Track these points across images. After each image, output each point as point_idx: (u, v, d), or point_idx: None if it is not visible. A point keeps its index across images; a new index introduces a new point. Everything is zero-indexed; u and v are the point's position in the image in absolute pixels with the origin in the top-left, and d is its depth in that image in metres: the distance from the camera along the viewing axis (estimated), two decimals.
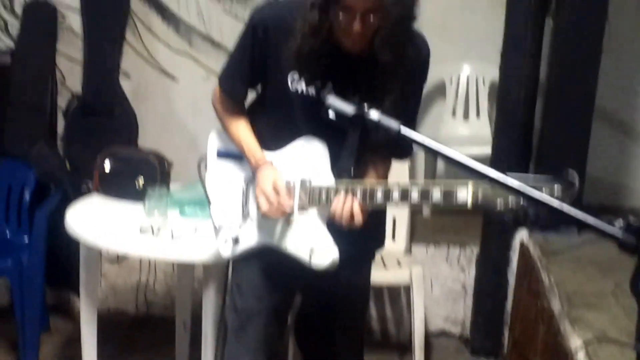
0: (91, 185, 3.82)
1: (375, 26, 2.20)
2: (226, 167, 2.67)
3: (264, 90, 2.57)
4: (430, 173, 4.76)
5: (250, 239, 2.57)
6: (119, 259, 4.47)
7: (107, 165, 3.70)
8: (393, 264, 4.10)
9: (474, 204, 2.02)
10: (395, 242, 4.28)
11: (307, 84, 2.37)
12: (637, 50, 4.75)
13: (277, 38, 2.38)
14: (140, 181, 3.57)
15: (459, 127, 4.90)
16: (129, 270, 4.59)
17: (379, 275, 4.00)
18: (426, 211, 4.82)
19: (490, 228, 4.08)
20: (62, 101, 4.93)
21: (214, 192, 2.69)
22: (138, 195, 3.46)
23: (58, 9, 4.93)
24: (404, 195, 2.17)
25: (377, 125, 1.45)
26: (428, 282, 4.33)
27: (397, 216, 4.28)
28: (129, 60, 4.92)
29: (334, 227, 2.36)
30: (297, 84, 2.39)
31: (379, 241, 2.77)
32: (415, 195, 2.14)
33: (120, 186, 3.63)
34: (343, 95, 2.23)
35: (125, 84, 4.87)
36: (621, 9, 4.42)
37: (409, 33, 2.30)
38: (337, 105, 1.50)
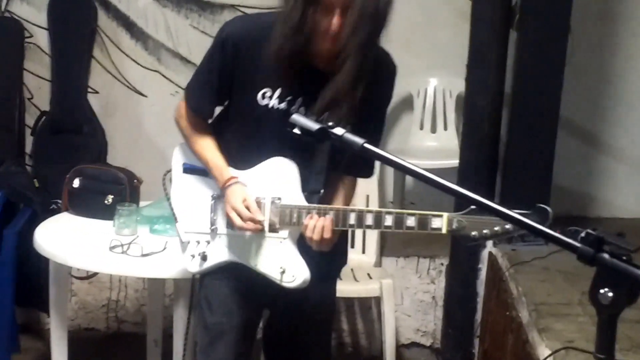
0: (60, 203, 3.81)
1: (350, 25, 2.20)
2: (192, 182, 2.63)
3: (230, 107, 2.54)
4: (399, 187, 4.79)
5: (218, 255, 2.55)
6: (88, 277, 4.45)
7: (76, 183, 3.69)
8: (363, 277, 4.12)
9: (449, 232, 2.19)
10: (365, 254, 4.30)
11: (279, 100, 2.36)
12: (600, 62, 4.82)
13: (248, 53, 2.37)
14: (110, 198, 3.57)
15: (426, 140, 4.94)
16: (99, 288, 4.58)
17: (350, 287, 4.03)
18: None
19: (459, 239, 4.10)
20: (30, 119, 4.91)
21: (180, 207, 2.65)
22: (107, 213, 3.45)
23: (25, 25, 4.92)
24: (377, 220, 2.24)
25: (340, 140, 1.47)
26: (398, 294, 4.36)
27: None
28: (97, 77, 4.91)
29: (303, 245, 2.38)
30: (268, 99, 2.37)
31: (344, 259, 2.77)
32: (389, 221, 2.24)
33: (89, 204, 3.63)
34: (310, 111, 2.28)
35: (93, 101, 4.86)
36: (584, 21, 4.49)
37: (377, 37, 2.30)
38: (302, 121, 1.52)
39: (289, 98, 2.37)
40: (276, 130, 2.34)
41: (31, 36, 4.95)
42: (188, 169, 2.64)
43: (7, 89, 4.81)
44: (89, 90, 4.92)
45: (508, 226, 2.05)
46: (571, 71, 4.03)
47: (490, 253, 3.98)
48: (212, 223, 2.54)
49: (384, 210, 2.27)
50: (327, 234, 2.28)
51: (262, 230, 2.40)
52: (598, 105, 4.89)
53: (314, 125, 1.52)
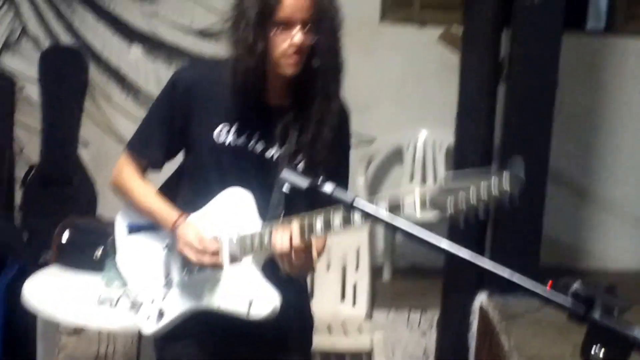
0: (49, 256, 3.79)
1: (310, 46, 2.17)
2: (139, 241, 2.47)
3: (187, 156, 2.41)
4: (390, 240, 4.80)
5: (176, 307, 2.37)
6: (77, 331, 4.40)
7: (66, 236, 3.67)
8: (354, 330, 4.09)
9: (422, 209, 1.94)
10: (355, 307, 4.27)
11: (237, 135, 2.28)
12: (590, 113, 4.86)
13: (200, 93, 2.30)
14: (99, 252, 3.54)
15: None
16: (88, 342, 4.51)
17: (341, 341, 4.00)
18: (387, 275, 4.84)
19: (450, 292, 4.10)
20: (20, 171, 4.91)
21: (128, 269, 2.49)
22: (97, 266, 3.43)
23: (16, 79, 4.94)
24: (346, 220, 2.00)
25: (330, 197, 1.47)
26: (389, 347, 4.32)
27: (358, 282, 4.29)
28: (87, 129, 4.93)
29: (268, 270, 2.26)
30: (225, 136, 2.28)
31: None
32: (357, 218, 1.97)
33: (79, 257, 3.60)
34: (271, 145, 2.27)
35: (84, 153, 4.87)
36: (572, 74, 4.53)
37: (340, 57, 2.25)
38: (292, 178, 1.52)
39: (246, 134, 2.30)
40: (234, 167, 2.30)
41: (22, 89, 4.98)
42: (134, 228, 2.48)
43: None
44: (80, 142, 4.92)
45: (482, 188, 1.86)
46: (561, 123, 4.07)
47: (481, 306, 3.96)
48: (167, 274, 2.39)
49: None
50: (296, 241, 2.09)
51: (221, 266, 2.28)
52: (588, 156, 4.92)
53: (303, 182, 1.51)
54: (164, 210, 2.35)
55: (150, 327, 2.40)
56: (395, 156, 4.95)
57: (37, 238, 4.48)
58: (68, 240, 3.66)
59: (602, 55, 4.89)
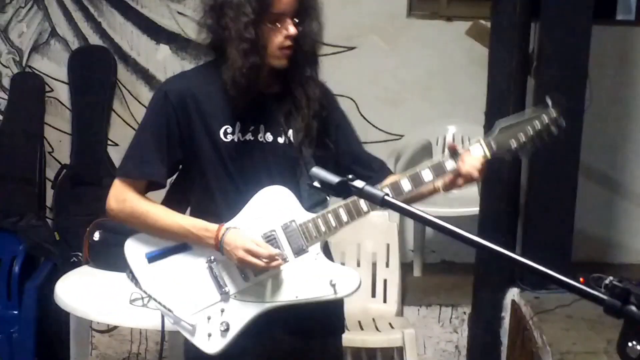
0: (81, 255, 3.81)
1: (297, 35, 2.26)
2: (165, 267, 2.36)
3: (193, 164, 2.37)
4: (420, 235, 4.78)
5: (242, 316, 2.30)
6: (109, 330, 4.43)
7: (97, 236, 3.69)
8: (385, 326, 4.08)
9: (490, 151, 2.24)
10: (387, 304, 4.27)
11: (242, 133, 2.31)
12: (619, 106, 4.81)
13: (194, 100, 2.30)
14: None
15: None
16: (120, 341, 4.55)
17: (372, 337, 3.99)
18: (417, 271, 4.82)
19: (481, 287, 4.07)
20: (51, 172, 4.94)
21: (165, 296, 2.35)
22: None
23: (45, 80, 4.98)
24: (437, 168, 2.28)
25: (360, 193, 1.46)
26: (421, 343, 4.31)
27: (388, 278, 4.28)
28: (117, 130, 4.96)
29: (291, 309, 2.30)
30: (231, 135, 2.30)
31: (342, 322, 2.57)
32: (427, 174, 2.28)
33: (109, 256, 3.61)
34: (277, 133, 2.32)
35: (113, 154, 4.89)
36: (601, 66, 4.49)
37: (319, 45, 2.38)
38: (322, 175, 1.52)
39: (251, 128, 2.32)
40: (251, 162, 2.31)
41: (52, 90, 5.02)
42: (154, 257, 2.36)
43: (29, 143, 4.86)
44: (109, 143, 4.96)
45: (538, 125, 2.20)
46: (591, 117, 4.03)
47: (513, 301, 3.94)
48: (220, 287, 2.31)
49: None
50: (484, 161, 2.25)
51: (287, 261, 2.28)
52: (618, 150, 4.87)
53: (334, 179, 1.51)
54: (200, 224, 2.30)
55: (215, 345, 2.31)
56: (424, 151, 4.92)
57: (69, 238, 4.52)
58: (99, 240, 3.68)
59: (632, 47, 4.83)
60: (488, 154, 2.24)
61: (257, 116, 2.32)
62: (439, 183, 2.31)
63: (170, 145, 2.32)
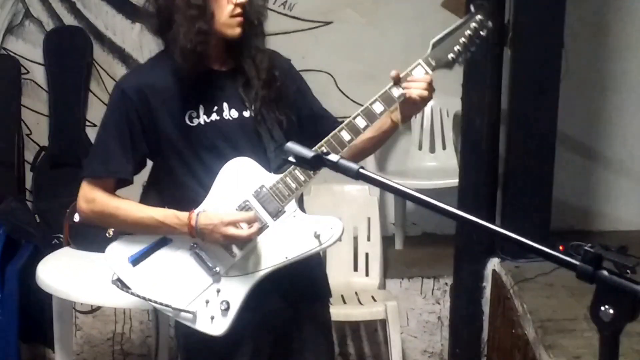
0: (62, 237, 3.81)
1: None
2: (150, 265, 2.37)
3: (162, 154, 2.37)
4: (401, 208, 4.80)
5: (239, 291, 2.31)
6: (92, 310, 4.44)
7: (77, 217, 3.68)
8: (368, 300, 4.11)
9: (432, 69, 2.35)
10: (369, 277, 4.29)
11: (207, 114, 2.32)
12: (595, 75, 4.83)
13: (155, 93, 2.30)
14: (111, 231, 3.56)
15: (425, 160, 4.94)
16: (104, 321, 4.56)
17: (355, 311, 4.02)
18: (398, 244, 4.84)
19: (462, 258, 4.10)
20: (29, 154, 4.92)
21: (159, 293, 2.35)
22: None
23: (21, 62, 4.94)
24: (385, 98, 2.33)
25: (336, 166, 1.47)
26: (404, 315, 4.34)
27: (370, 251, 4.30)
28: (94, 110, 4.93)
29: (282, 276, 2.32)
30: (197, 119, 2.32)
31: (328, 289, 2.61)
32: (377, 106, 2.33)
33: (91, 237, 3.61)
34: (241, 107, 2.34)
35: (91, 134, 4.87)
36: (577, 35, 4.51)
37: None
38: (296, 149, 1.53)
39: (215, 108, 2.34)
40: (221, 141, 2.33)
41: (28, 72, 4.99)
42: (137, 259, 2.37)
43: (6, 126, 4.84)
44: (87, 123, 4.94)
45: (468, 31, 2.34)
46: (567, 86, 4.05)
47: (494, 271, 3.97)
48: (210, 269, 2.32)
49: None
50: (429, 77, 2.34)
51: (267, 226, 2.30)
52: (595, 118, 4.90)
53: (308, 153, 1.52)
54: (171, 214, 2.31)
55: (220, 325, 2.32)
56: (403, 125, 4.93)
57: (49, 220, 4.51)
58: (79, 221, 3.68)
59: (608, 16, 4.84)
60: (430, 70, 2.34)
61: (218, 95, 2.35)
62: (395, 115, 2.37)
63: (133, 141, 2.33)
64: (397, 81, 2.33)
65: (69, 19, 5.00)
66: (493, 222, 1.43)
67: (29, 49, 4.99)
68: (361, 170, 1.45)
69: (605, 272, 1.21)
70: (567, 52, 3.99)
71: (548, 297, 3.46)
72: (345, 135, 2.29)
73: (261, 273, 2.32)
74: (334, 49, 4.89)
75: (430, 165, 4.91)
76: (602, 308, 1.21)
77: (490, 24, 2.39)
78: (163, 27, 2.32)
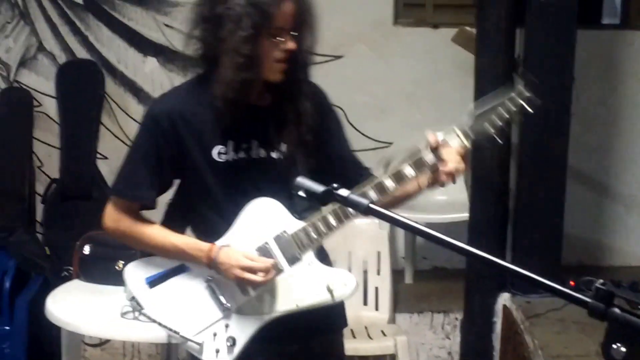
0: (71, 270, 3.81)
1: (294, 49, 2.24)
2: (166, 290, 2.38)
3: (188, 184, 2.38)
4: (411, 242, 4.78)
5: (246, 329, 2.32)
6: (101, 343, 4.42)
7: (87, 250, 3.69)
8: (377, 334, 4.08)
9: (468, 140, 2.20)
10: (379, 311, 4.27)
11: (235, 152, 2.29)
12: (607, 110, 4.84)
13: (187, 121, 2.28)
14: (120, 264, 3.56)
15: (435, 194, 4.91)
16: (112, 354, 4.54)
17: (364, 345, 3.99)
18: (408, 278, 4.82)
19: (472, 293, 4.08)
20: (40, 187, 4.94)
21: (170, 318, 2.36)
22: (119, 279, 3.43)
23: (33, 95, 4.98)
24: (418, 164, 2.23)
25: (345, 201, 1.47)
26: (414, 350, 4.31)
27: (380, 286, 4.28)
28: (106, 143, 4.95)
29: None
30: (224, 155, 2.29)
31: (343, 318, 2.58)
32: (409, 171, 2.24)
33: (100, 270, 3.61)
34: (270, 147, 2.30)
35: (102, 167, 4.89)
36: (587, 70, 4.52)
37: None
38: (307, 184, 1.53)
39: (244, 146, 2.31)
40: (245, 180, 2.31)
41: (40, 105, 5.02)
42: (154, 281, 2.39)
43: (18, 158, 4.86)
44: (98, 156, 4.96)
45: (511, 106, 2.19)
46: (578, 120, 4.05)
47: (504, 306, 3.95)
48: (221, 304, 2.33)
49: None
50: (464, 148, 2.22)
51: (282, 271, 2.28)
52: (606, 153, 4.89)
53: (319, 188, 1.52)
54: (193, 244, 2.32)
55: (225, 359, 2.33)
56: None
57: (59, 252, 4.51)
58: (89, 253, 3.68)
59: (618, 50, 4.86)
60: (467, 143, 2.21)
61: (250, 131, 2.30)
62: (423, 180, 2.29)
63: (160, 167, 2.32)
64: (432, 147, 2.22)
65: (81, 53, 5.04)
66: (503, 257, 1.42)
67: (41, 82, 5.02)
68: (371, 205, 1.45)
69: (617, 310, 1.20)
70: (577, 86, 3.99)
71: (559, 333, 3.44)
72: (372, 195, 2.23)
73: (271, 316, 2.33)
74: (344, 83, 4.90)
75: (440, 199, 4.89)
76: (614, 346, 1.20)
77: (538, 100, 2.25)
78: (206, 60, 2.29)
